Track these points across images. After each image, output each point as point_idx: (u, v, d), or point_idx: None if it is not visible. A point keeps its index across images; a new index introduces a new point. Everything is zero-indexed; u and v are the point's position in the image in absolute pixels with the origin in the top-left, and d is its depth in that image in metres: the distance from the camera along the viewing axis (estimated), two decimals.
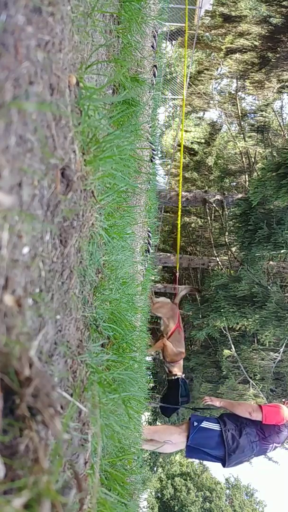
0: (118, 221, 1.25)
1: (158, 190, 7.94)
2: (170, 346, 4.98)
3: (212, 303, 6.15)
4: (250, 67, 7.90)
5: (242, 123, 8.85)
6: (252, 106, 9.39)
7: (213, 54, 9.28)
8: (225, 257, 8.60)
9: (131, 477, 1.46)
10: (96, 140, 0.73)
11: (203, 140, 10.53)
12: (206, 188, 9.24)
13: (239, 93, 8.89)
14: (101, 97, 1.04)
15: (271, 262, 7.12)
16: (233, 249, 8.00)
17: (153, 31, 2.89)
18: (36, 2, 0.49)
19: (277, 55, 7.24)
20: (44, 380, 0.42)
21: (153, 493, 20.83)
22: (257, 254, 5.80)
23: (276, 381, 6.99)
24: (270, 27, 7.36)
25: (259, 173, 7.10)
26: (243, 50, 7.86)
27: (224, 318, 6.07)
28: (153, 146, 3.24)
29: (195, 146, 10.86)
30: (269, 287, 5.66)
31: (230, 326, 6.46)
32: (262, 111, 8.32)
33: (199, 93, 9.67)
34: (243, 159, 8.49)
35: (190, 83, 9.53)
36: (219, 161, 9.51)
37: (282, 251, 5.60)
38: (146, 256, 3.57)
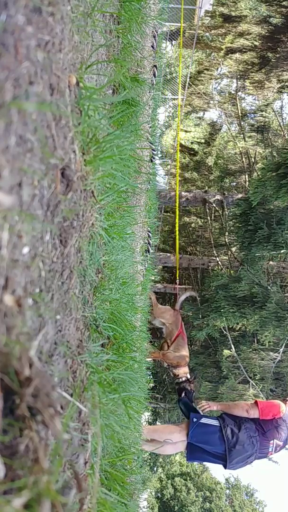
0: (118, 221, 1.25)
1: (158, 190, 7.94)
2: (171, 354, 4.99)
3: (212, 303, 6.15)
4: (250, 67, 7.90)
5: (242, 123, 8.85)
6: (252, 106, 9.39)
7: (213, 54, 9.28)
8: (225, 257, 8.60)
9: (131, 477, 1.46)
10: (96, 140, 0.73)
11: (203, 140, 10.53)
12: (206, 188, 9.24)
13: (239, 93, 8.89)
14: (101, 97, 1.04)
15: (271, 262, 7.12)
16: (233, 249, 8.01)
17: (153, 31, 2.89)
18: (36, 2, 0.49)
19: (277, 55, 7.24)
20: (44, 380, 0.42)
21: (153, 493, 20.83)
22: (257, 254, 5.80)
23: (276, 381, 7.00)
24: (270, 27, 7.36)
25: (259, 173, 7.10)
26: (243, 50, 7.86)
27: (224, 318, 6.07)
28: (153, 146, 3.24)
29: (195, 146, 10.86)
30: (269, 287, 5.67)
31: (230, 326, 6.47)
32: (262, 111, 8.32)
33: (199, 93, 9.67)
34: (243, 159, 8.49)
35: (190, 83, 9.53)
36: (219, 161, 9.52)
37: (282, 251, 5.60)
38: (146, 256, 3.57)
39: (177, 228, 6.26)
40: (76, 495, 0.51)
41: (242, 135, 8.78)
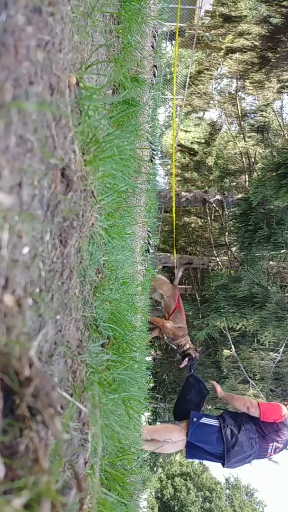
0: (118, 221, 1.25)
1: (158, 190, 7.94)
2: (169, 324, 5.19)
3: (212, 303, 6.15)
4: (250, 67, 7.90)
5: (242, 123, 8.85)
6: (252, 106, 9.38)
7: (213, 54, 9.27)
8: (225, 257, 8.60)
9: (131, 477, 1.46)
10: (96, 140, 0.73)
11: (203, 140, 10.52)
12: (206, 188, 9.24)
13: (239, 93, 8.89)
14: (101, 97, 1.04)
15: (271, 262, 7.12)
16: (233, 249, 8.00)
17: (153, 31, 2.89)
18: (36, 2, 0.49)
19: (277, 55, 7.24)
20: (44, 380, 0.42)
21: (153, 493, 20.83)
22: (257, 254, 5.81)
23: (276, 381, 7.00)
24: (270, 27, 7.36)
25: (259, 173, 7.10)
26: (243, 50, 7.85)
27: (224, 318, 6.07)
28: (153, 146, 3.24)
29: (195, 146, 10.86)
30: (269, 287, 5.67)
31: (230, 326, 6.47)
32: (262, 111, 8.32)
33: (199, 93, 9.67)
34: (243, 159, 8.49)
35: (190, 83, 9.53)
36: (219, 161, 9.51)
37: (282, 251, 5.60)
38: (146, 256, 3.57)
39: (174, 222, 6.28)
40: (76, 495, 0.51)
41: (242, 135, 8.78)
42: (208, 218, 9.05)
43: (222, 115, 9.67)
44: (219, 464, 3.46)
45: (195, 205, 8.92)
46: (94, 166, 0.73)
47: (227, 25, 8.11)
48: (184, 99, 9.69)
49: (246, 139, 8.65)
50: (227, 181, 9.43)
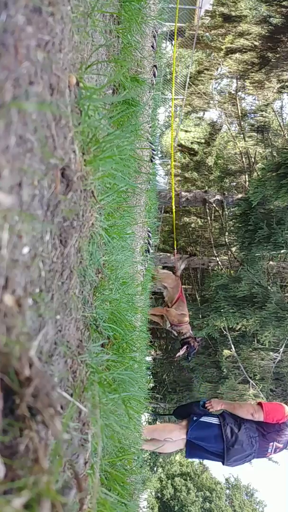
0: (118, 221, 1.25)
1: (158, 190, 7.94)
2: (173, 311, 5.35)
3: (212, 303, 6.16)
4: (250, 67, 7.90)
5: (242, 123, 8.85)
6: (252, 106, 9.38)
7: (213, 54, 9.27)
8: (225, 257, 8.60)
9: (131, 477, 1.46)
10: (96, 140, 0.73)
11: (203, 140, 10.52)
12: (206, 188, 9.24)
13: (239, 93, 8.89)
14: (101, 97, 1.04)
15: (271, 262, 7.12)
16: (233, 249, 8.00)
17: (153, 31, 2.89)
18: (36, 2, 0.49)
19: (277, 55, 7.24)
20: (44, 380, 0.42)
21: (153, 493, 20.83)
22: (257, 254, 5.81)
23: (276, 381, 6.99)
24: (270, 27, 7.36)
25: (259, 173, 7.10)
26: (243, 50, 7.85)
27: (224, 318, 6.08)
28: (153, 146, 3.24)
29: (195, 146, 10.85)
30: (269, 287, 5.67)
31: (230, 326, 6.47)
32: (262, 111, 8.32)
33: (199, 93, 9.67)
34: (243, 159, 8.49)
35: (190, 83, 9.52)
36: (219, 161, 9.51)
37: (282, 251, 5.60)
38: (146, 256, 3.57)
39: (174, 217, 6.29)
40: (76, 495, 0.51)
41: (242, 135, 8.78)
42: (208, 218, 9.05)
43: (222, 115, 9.67)
44: (219, 464, 3.45)
45: (195, 205, 8.92)
46: (94, 166, 0.73)
47: (227, 25, 8.11)
48: (184, 99, 9.69)
49: (246, 139, 8.65)
50: (227, 181, 9.43)
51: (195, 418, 3.39)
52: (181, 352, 5.22)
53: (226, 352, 7.21)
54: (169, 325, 5.37)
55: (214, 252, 8.56)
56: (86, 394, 0.78)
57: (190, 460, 21.10)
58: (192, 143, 11.29)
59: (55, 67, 0.57)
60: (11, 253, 0.46)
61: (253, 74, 7.87)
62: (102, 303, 1.03)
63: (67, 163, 0.62)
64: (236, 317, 5.89)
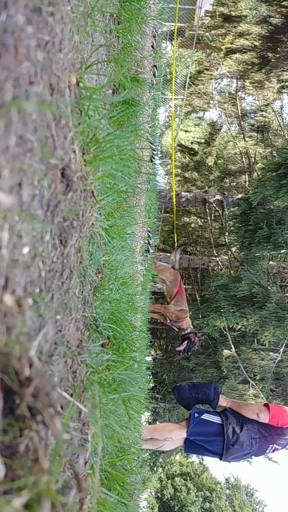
0: (118, 221, 1.25)
1: (158, 190, 7.94)
2: (172, 307, 5.30)
3: (212, 303, 6.16)
4: (250, 67, 7.90)
5: (242, 123, 8.85)
6: (252, 106, 9.39)
7: (213, 54, 9.27)
8: (225, 257, 8.60)
9: (131, 477, 1.46)
10: (96, 140, 0.73)
11: (203, 140, 10.53)
12: (206, 188, 9.24)
13: (239, 93, 8.89)
14: (101, 97, 1.04)
15: (271, 262, 7.12)
16: (233, 249, 8.01)
17: (153, 31, 2.89)
18: (36, 2, 0.49)
19: (277, 55, 7.24)
20: (44, 380, 0.42)
21: (153, 493, 20.83)
22: (257, 254, 5.81)
23: (276, 381, 6.99)
24: (270, 27, 7.36)
25: (259, 173, 7.10)
26: (243, 50, 7.86)
27: (224, 318, 6.07)
28: (153, 146, 3.24)
29: (195, 146, 10.86)
30: (269, 287, 5.67)
31: (230, 326, 6.47)
32: (262, 111, 8.32)
33: (199, 93, 9.67)
34: (243, 159, 8.49)
35: (190, 83, 9.53)
36: (219, 161, 9.51)
37: (282, 251, 5.61)
38: (146, 256, 3.57)
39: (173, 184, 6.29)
40: (76, 495, 0.51)
41: (242, 135, 8.78)
42: (208, 218, 9.05)
43: (222, 115, 9.67)
44: (219, 464, 3.47)
45: (195, 205, 8.92)
46: (94, 166, 0.73)
47: (227, 25, 8.11)
48: (184, 99, 9.69)
49: (246, 139, 8.65)
50: (227, 181, 9.44)
51: (196, 415, 3.37)
52: (182, 347, 5.20)
53: (226, 352, 7.21)
54: (169, 321, 5.36)
55: (214, 252, 8.56)
56: (86, 394, 0.78)
57: (190, 460, 21.13)
58: (192, 143, 11.30)
59: (55, 67, 0.57)
60: (11, 253, 0.46)
61: (253, 74, 7.87)
62: (102, 303, 1.03)
63: (67, 163, 0.62)
64: (236, 317, 5.89)
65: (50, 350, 0.64)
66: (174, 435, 3.36)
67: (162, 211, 9.72)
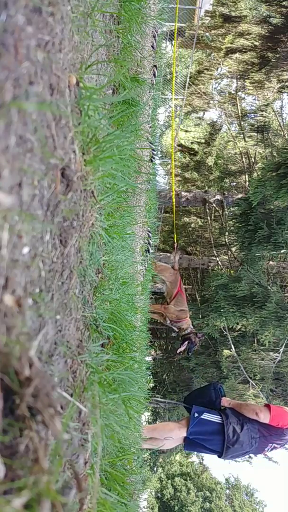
0: (118, 221, 1.25)
1: (158, 190, 7.94)
2: (171, 308, 5.30)
3: (212, 303, 6.16)
4: (250, 67, 7.90)
5: (242, 123, 8.86)
6: (252, 106, 9.39)
7: (213, 54, 9.27)
8: (225, 257, 8.61)
9: (131, 477, 1.46)
10: (96, 140, 0.73)
11: (203, 140, 10.53)
12: (206, 188, 9.24)
13: (239, 93, 8.89)
14: (101, 97, 1.04)
15: (271, 262, 7.12)
16: (233, 249, 8.01)
17: (153, 31, 2.89)
18: (36, 2, 0.49)
19: (277, 55, 7.24)
20: (44, 380, 0.42)
21: (153, 493, 20.84)
22: (257, 254, 5.81)
23: (276, 381, 7.00)
24: (270, 27, 7.36)
25: (259, 173, 7.10)
26: (243, 50, 7.86)
27: (224, 318, 6.07)
28: (153, 146, 3.24)
29: (195, 146, 10.86)
30: (269, 287, 5.67)
31: (230, 326, 6.47)
32: (262, 111, 8.32)
33: (199, 93, 9.67)
34: (243, 159, 8.49)
35: (190, 83, 9.53)
36: (219, 161, 9.52)
37: (282, 251, 5.61)
38: (146, 256, 3.57)
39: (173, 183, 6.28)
40: (76, 495, 0.51)
41: (242, 135, 8.78)
42: (208, 218, 9.05)
43: (222, 115, 9.67)
44: (219, 464, 3.47)
45: (195, 205, 8.92)
46: (94, 166, 0.73)
47: (227, 25, 8.11)
48: (184, 99, 9.69)
49: (246, 139, 8.65)
50: (227, 181, 9.44)
51: (196, 414, 3.37)
52: (182, 348, 5.21)
53: (226, 352, 7.21)
54: (169, 322, 5.36)
55: (214, 252, 8.56)
56: (86, 394, 0.78)
57: (190, 460, 21.13)
58: (192, 143, 11.30)
59: (55, 67, 0.57)
60: (11, 253, 0.46)
61: (253, 74, 7.87)
62: (102, 303, 1.03)
63: (67, 163, 0.62)
64: (236, 317, 5.88)
65: (50, 350, 0.64)
66: (174, 434, 3.36)
67: (162, 211, 9.72)
